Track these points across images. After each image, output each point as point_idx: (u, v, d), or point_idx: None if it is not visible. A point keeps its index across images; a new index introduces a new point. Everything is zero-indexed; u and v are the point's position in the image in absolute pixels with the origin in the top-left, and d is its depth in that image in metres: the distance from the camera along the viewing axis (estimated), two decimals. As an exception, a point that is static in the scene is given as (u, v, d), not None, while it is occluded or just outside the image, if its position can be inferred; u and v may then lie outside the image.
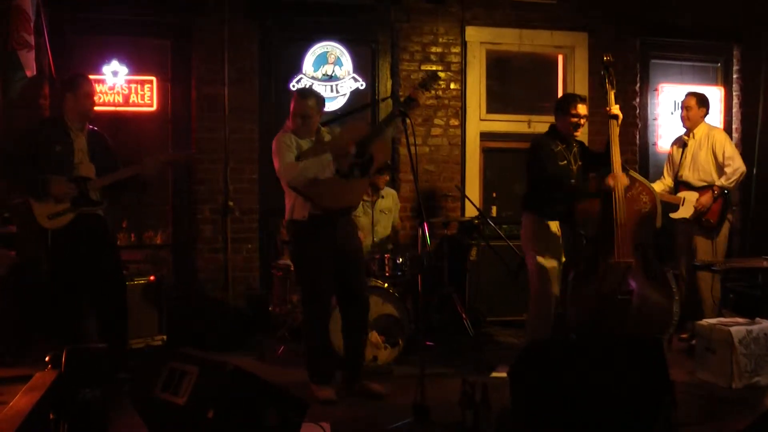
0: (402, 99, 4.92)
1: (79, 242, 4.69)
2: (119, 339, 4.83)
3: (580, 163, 5.10)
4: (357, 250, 4.71)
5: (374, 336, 5.18)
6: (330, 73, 7.04)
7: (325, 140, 4.60)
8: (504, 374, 4.34)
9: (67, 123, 4.78)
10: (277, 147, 4.53)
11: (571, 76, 7.50)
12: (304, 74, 6.98)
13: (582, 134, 7.04)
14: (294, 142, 4.53)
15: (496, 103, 7.42)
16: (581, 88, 7.37)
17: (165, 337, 5.71)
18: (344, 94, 7.06)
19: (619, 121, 5.05)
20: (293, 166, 4.45)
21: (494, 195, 7.34)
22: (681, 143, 6.11)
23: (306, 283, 4.63)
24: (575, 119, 5.01)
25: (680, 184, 6.02)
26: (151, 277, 5.77)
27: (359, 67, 7.13)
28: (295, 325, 5.66)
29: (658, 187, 5.99)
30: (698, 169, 5.94)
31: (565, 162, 4.99)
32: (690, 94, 6.10)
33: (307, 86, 6.76)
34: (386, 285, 5.45)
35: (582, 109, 5.04)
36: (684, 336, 6.00)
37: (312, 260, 4.53)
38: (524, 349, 3.81)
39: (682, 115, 6.09)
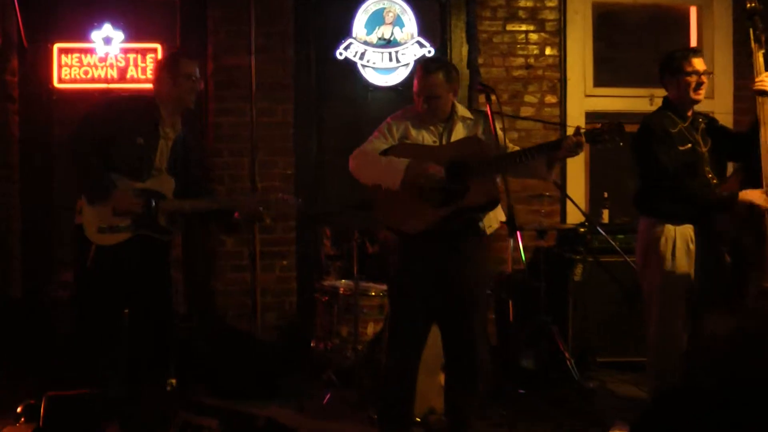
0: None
1: (129, 270, 4.57)
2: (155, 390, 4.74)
3: (710, 144, 4.97)
4: (470, 282, 4.52)
5: (442, 379, 5.11)
6: (388, 37, 7.04)
7: (458, 129, 4.46)
8: (624, 434, 4.26)
9: (160, 111, 4.66)
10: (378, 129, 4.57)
11: (708, 35, 7.42)
12: (355, 38, 6.99)
13: (724, 115, 6.99)
14: (400, 132, 4.49)
15: (607, 73, 7.40)
16: (723, 52, 7.31)
17: (174, 381, 5.73)
18: (407, 64, 7.05)
19: None
20: (365, 155, 4.45)
21: (605, 195, 7.25)
22: None
23: (391, 312, 4.68)
24: (693, 78, 4.88)
25: None
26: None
27: (426, 29, 7.12)
28: (345, 365, 5.64)
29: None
30: None
31: (689, 145, 4.87)
32: None
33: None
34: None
35: (699, 63, 4.91)
36: None
37: (402, 286, 4.53)
38: (652, 401, 3.72)
39: None
